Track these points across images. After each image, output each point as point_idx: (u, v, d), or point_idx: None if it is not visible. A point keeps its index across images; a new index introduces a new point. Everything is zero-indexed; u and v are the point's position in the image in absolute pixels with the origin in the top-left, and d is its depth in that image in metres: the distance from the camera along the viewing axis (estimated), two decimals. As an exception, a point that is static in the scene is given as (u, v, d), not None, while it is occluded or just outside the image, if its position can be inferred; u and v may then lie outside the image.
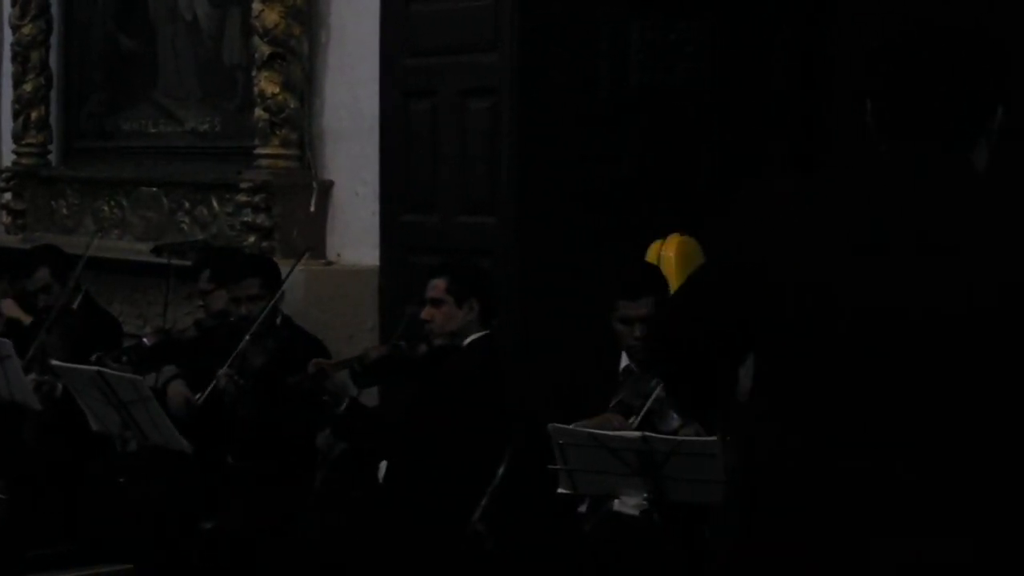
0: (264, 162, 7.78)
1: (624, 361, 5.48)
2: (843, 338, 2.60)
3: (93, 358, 6.50)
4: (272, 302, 6.43)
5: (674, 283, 5.62)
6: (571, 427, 4.99)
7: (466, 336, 5.93)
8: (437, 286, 5.94)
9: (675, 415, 5.14)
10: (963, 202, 2.59)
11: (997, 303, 2.52)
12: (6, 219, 9.83)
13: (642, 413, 5.13)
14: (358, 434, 6.11)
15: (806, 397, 2.66)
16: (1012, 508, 2.57)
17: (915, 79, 2.62)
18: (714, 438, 4.53)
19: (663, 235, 6.26)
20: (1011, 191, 2.59)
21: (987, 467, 2.57)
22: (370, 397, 6.59)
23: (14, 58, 9.60)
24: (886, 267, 2.57)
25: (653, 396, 5.12)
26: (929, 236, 2.55)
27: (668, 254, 6.11)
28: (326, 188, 7.75)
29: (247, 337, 6.29)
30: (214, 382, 6.26)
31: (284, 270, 6.73)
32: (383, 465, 5.97)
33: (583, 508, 5.33)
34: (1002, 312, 2.52)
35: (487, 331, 5.97)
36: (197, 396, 6.33)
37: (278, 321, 6.50)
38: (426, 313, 5.94)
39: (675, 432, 5.07)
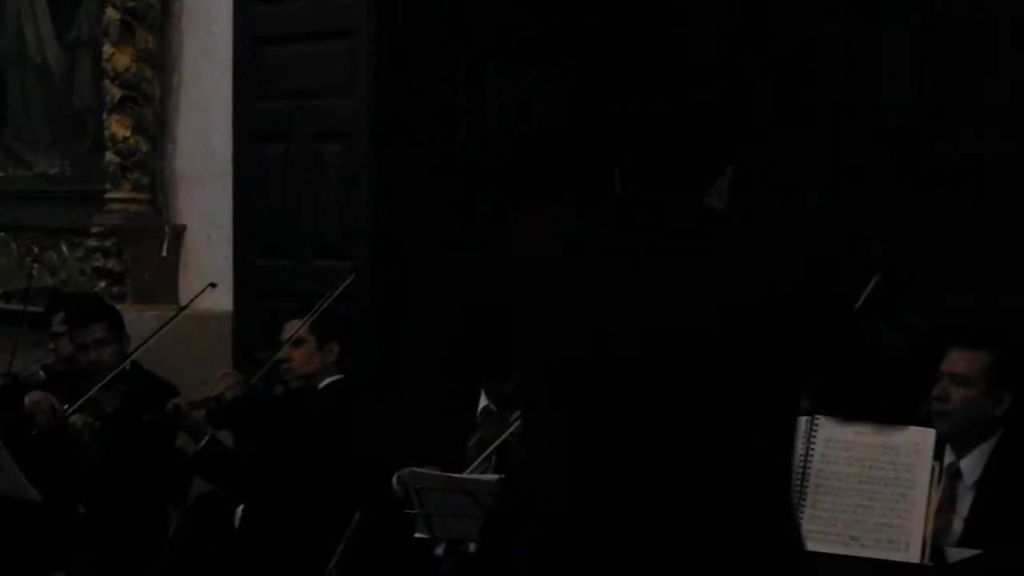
0: (115, 206, 7.69)
1: (483, 401, 5.49)
2: (588, 370, 2.80)
3: None
4: (134, 350, 6.36)
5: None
6: (426, 471, 4.99)
7: (322, 379, 5.93)
8: (297, 326, 5.92)
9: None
10: (696, 233, 2.85)
11: (725, 327, 2.73)
12: None
13: (495, 445, 5.15)
14: (216, 472, 6.05)
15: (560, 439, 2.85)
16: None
17: (664, 138, 2.97)
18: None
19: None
20: (741, 223, 2.87)
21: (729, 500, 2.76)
22: (226, 437, 6.53)
23: None
24: (625, 297, 2.79)
25: (509, 430, 5.14)
26: (664, 264, 2.81)
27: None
28: (179, 232, 7.68)
29: (99, 386, 6.20)
30: (67, 414, 6.15)
31: (135, 316, 6.65)
32: (239, 511, 5.92)
33: (440, 551, 5.32)
34: (734, 337, 2.73)
35: (342, 375, 5.96)
36: (64, 406, 6.19)
37: (127, 366, 6.41)
38: (286, 352, 5.91)
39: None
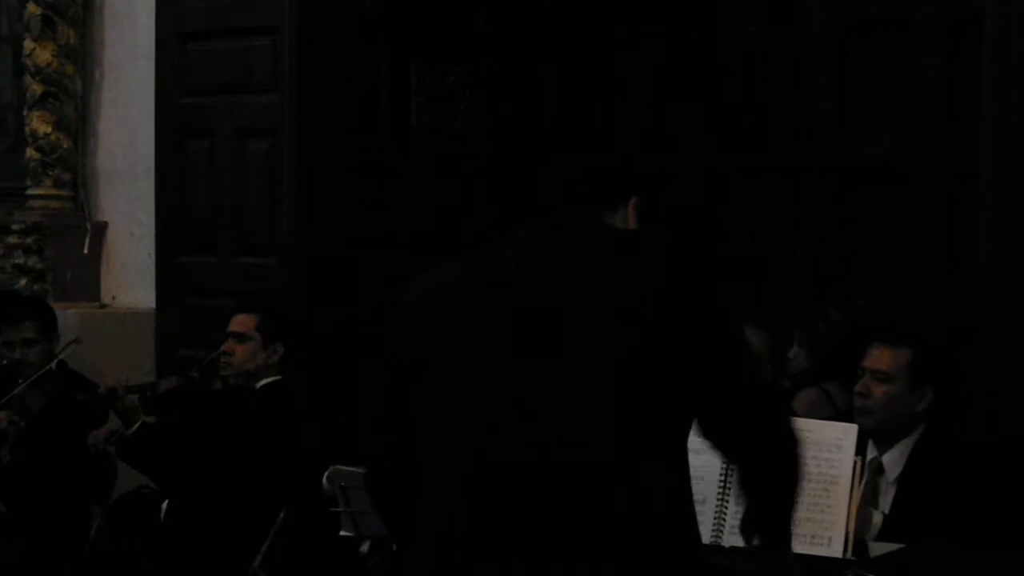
0: (36, 203, 7.63)
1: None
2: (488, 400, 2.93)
3: None
4: (64, 347, 6.32)
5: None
6: (350, 469, 4.98)
7: (261, 378, 5.87)
8: (245, 322, 5.87)
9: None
10: (593, 251, 3.02)
11: (633, 346, 2.85)
12: None
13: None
14: (143, 459, 6.00)
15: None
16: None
17: (574, 175, 3.15)
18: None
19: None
20: (636, 242, 3.09)
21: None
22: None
23: None
24: (526, 324, 2.92)
25: None
26: (562, 286, 2.94)
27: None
28: (101, 229, 7.62)
29: (23, 382, 6.16)
30: None
31: (57, 314, 6.60)
32: (164, 505, 5.89)
33: (364, 549, 5.31)
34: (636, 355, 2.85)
35: (280, 377, 5.91)
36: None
37: (53, 365, 6.36)
38: (228, 345, 5.86)
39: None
